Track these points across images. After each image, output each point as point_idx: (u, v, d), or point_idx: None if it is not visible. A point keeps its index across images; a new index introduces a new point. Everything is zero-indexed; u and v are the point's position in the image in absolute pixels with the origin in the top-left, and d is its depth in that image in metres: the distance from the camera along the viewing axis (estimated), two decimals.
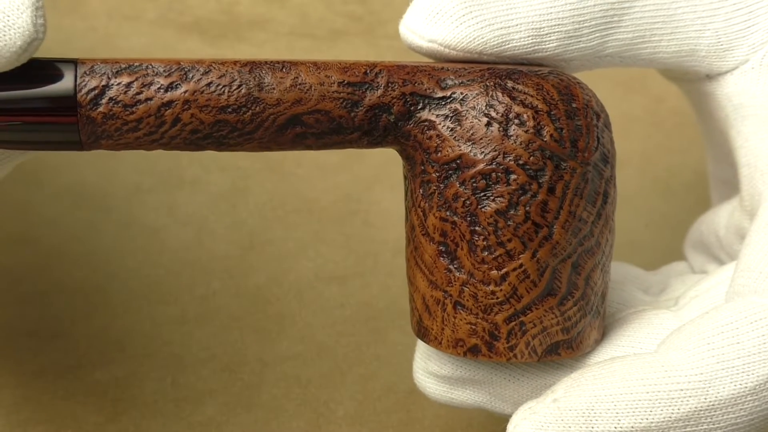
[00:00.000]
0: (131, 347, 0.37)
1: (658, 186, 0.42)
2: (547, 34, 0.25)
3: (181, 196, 0.45)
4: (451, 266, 0.25)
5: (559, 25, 0.25)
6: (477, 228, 0.25)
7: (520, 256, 0.25)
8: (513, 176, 0.24)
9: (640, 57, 0.27)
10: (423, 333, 0.26)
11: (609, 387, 0.23)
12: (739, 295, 0.25)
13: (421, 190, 0.25)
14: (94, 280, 0.40)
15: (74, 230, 0.43)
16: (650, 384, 0.23)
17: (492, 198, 0.25)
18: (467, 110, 0.25)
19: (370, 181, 0.41)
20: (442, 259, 0.25)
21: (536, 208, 0.25)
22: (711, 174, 0.32)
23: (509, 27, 0.25)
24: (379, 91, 0.25)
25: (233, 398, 0.35)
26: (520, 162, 0.24)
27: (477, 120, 0.25)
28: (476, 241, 0.25)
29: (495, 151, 0.24)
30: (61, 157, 0.47)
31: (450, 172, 0.25)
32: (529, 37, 0.25)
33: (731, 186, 0.31)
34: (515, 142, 0.24)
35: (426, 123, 0.25)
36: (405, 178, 0.26)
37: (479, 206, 0.25)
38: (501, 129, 0.24)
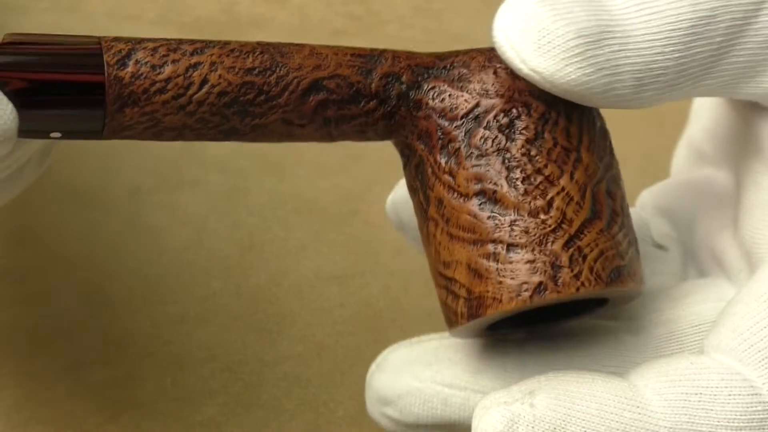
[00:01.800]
0: (131, 347, 0.37)
1: None
2: (649, 82, 0.24)
3: (181, 196, 0.45)
4: (494, 211, 0.25)
5: (662, 75, 0.24)
6: (512, 162, 0.25)
7: (560, 180, 0.25)
8: (532, 108, 0.25)
9: (730, 95, 0.26)
10: (475, 306, 0.25)
11: (585, 410, 0.24)
12: (723, 354, 0.25)
13: (443, 158, 0.26)
14: (94, 280, 0.40)
15: (74, 230, 0.43)
16: (622, 422, 0.24)
17: (519, 131, 0.25)
18: (473, 71, 0.26)
19: (370, 181, 0.41)
20: (482, 209, 0.25)
21: (561, 134, 0.25)
22: (690, 139, 0.32)
23: (616, 75, 0.23)
24: (388, 62, 0.26)
25: (233, 398, 0.35)
26: (536, 95, 0.25)
27: (485, 74, 0.25)
28: (514, 175, 0.25)
29: (510, 90, 0.25)
30: (61, 157, 0.47)
31: (471, 121, 0.25)
32: (631, 87, 0.23)
33: (705, 157, 0.31)
34: (526, 81, 0.25)
35: (435, 89, 0.26)
36: (413, 167, 0.27)
37: (508, 141, 0.25)
38: (509, 73, 0.25)
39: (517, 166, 0.25)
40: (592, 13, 0.23)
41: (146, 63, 0.24)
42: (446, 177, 0.26)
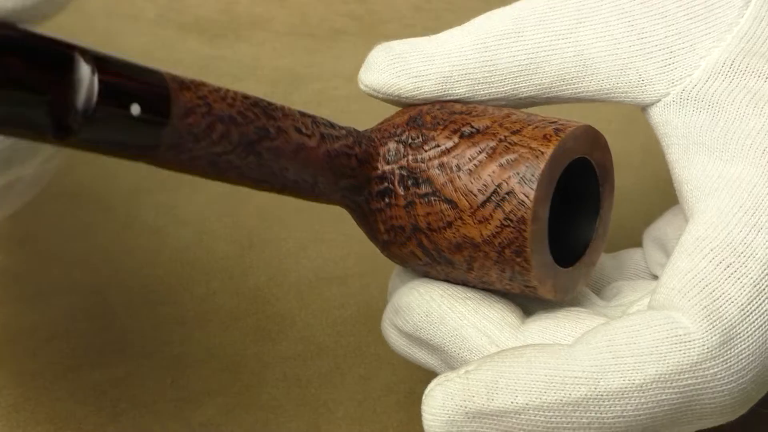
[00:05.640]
0: (131, 347, 0.37)
1: (658, 186, 0.42)
2: (456, 80, 0.30)
3: (181, 196, 0.45)
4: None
5: (469, 74, 0.30)
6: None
7: None
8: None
9: (562, 97, 0.30)
10: None
11: (514, 365, 0.25)
12: (654, 309, 0.27)
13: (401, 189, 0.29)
14: (94, 280, 0.40)
15: (74, 230, 0.43)
16: (550, 368, 0.25)
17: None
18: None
19: None
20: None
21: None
22: None
23: (421, 76, 0.30)
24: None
25: (233, 398, 0.35)
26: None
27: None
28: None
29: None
30: (61, 157, 0.47)
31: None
32: (438, 83, 0.30)
33: None
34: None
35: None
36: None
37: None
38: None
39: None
40: (410, 43, 0.30)
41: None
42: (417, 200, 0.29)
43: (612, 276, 0.33)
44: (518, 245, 0.27)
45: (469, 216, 0.28)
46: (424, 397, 0.26)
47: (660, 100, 0.29)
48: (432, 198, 0.28)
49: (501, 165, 0.28)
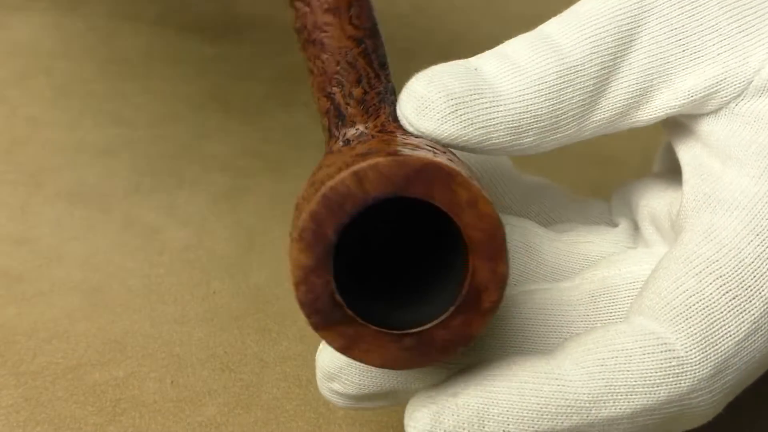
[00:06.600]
0: (131, 347, 0.37)
1: None
2: (525, 130, 0.27)
3: (181, 196, 0.45)
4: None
5: (537, 121, 0.27)
6: None
7: None
8: None
9: (618, 128, 0.29)
10: None
11: (504, 391, 0.25)
12: (642, 315, 0.27)
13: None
14: (94, 280, 0.40)
15: (74, 230, 0.43)
16: (542, 396, 0.25)
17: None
18: None
19: None
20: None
21: None
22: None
23: (490, 126, 0.27)
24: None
25: (233, 398, 0.35)
26: None
27: None
28: None
29: None
30: (61, 157, 0.47)
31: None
32: (508, 135, 0.27)
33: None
34: None
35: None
36: None
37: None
38: None
39: None
40: (465, 80, 0.27)
41: None
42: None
43: (570, 217, 0.33)
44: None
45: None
46: (408, 414, 0.25)
47: (712, 112, 0.29)
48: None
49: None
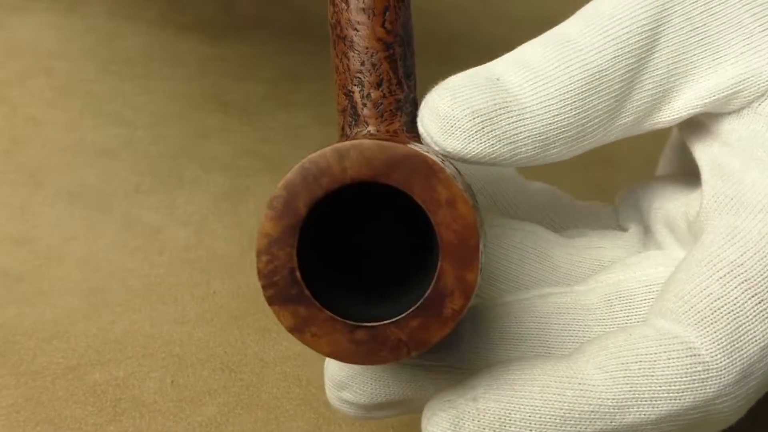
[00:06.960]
0: (131, 347, 0.37)
1: None
2: (552, 142, 0.26)
3: (181, 196, 0.45)
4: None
5: (564, 131, 0.26)
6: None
7: None
8: None
9: (641, 130, 0.28)
10: None
11: (527, 396, 0.25)
12: (664, 319, 0.26)
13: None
14: (94, 280, 0.40)
15: (74, 230, 0.43)
16: (566, 401, 0.25)
17: None
18: None
19: None
20: None
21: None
22: (672, 142, 0.34)
23: (518, 141, 0.26)
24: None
25: (233, 398, 0.35)
26: None
27: None
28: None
29: None
30: (61, 157, 0.47)
31: None
32: (535, 148, 0.26)
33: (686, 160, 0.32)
34: None
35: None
36: None
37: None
38: None
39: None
40: (488, 95, 0.26)
41: None
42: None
43: (578, 223, 0.33)
44: None
45: None
46: (426, 418, 0.25)
47: (734, 112, 0.28)
48: None
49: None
